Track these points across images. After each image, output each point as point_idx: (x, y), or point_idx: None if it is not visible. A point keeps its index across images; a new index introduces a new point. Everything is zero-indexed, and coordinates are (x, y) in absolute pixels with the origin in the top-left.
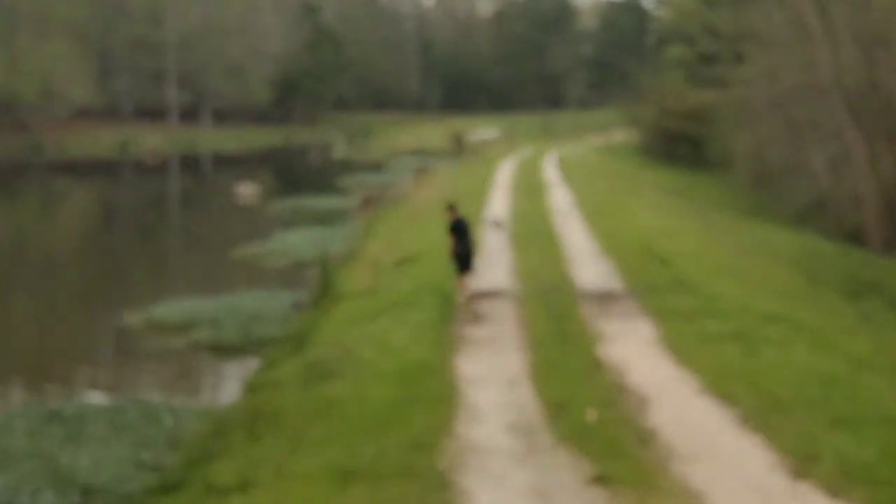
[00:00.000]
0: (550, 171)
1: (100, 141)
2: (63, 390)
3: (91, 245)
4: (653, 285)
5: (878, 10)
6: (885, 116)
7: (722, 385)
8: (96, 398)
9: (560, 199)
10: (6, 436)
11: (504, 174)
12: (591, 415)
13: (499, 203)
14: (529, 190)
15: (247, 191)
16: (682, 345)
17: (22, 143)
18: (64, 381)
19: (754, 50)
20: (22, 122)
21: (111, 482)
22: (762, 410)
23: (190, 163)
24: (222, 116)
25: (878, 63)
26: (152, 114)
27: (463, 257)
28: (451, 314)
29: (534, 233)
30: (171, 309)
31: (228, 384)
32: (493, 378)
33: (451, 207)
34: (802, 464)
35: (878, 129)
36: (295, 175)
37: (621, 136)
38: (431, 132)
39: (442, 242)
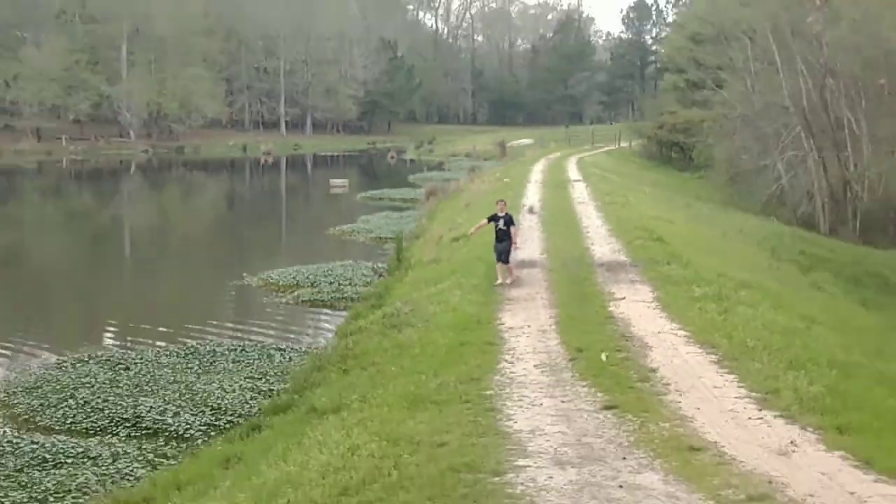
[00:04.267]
0: (572, 170)
1: (226, 145)
2: (198, 334)
3: (219, 224)
4: (651, 259)
5: (828, 46)
6: (832, 131)
7: (704, 335)
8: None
9: (579, 192)
10: (155, 368)
11: (536, 173)
12: (604, 357)
13: (532, 194)
14: (556, 184)
15: (339, 184)
16: (673, 304)
17: (167, 147)
18: (199, 327)
19: (731, 78)
20: (168, 131)
21: (235, 404)
22: (735, 355)
23: (295, 162)
24: (319, 126)
25: (827, 89)
26: (267, 124)
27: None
28: (495, 279)
29: (559, 217)
30: (280, 273)
31: (324, 331)
32: (528, 328)
33: (501, 200)
34: (766, 396)
35: (826, 141)
36: (376, 172)
37: (627, 144)
38: (480, 140)
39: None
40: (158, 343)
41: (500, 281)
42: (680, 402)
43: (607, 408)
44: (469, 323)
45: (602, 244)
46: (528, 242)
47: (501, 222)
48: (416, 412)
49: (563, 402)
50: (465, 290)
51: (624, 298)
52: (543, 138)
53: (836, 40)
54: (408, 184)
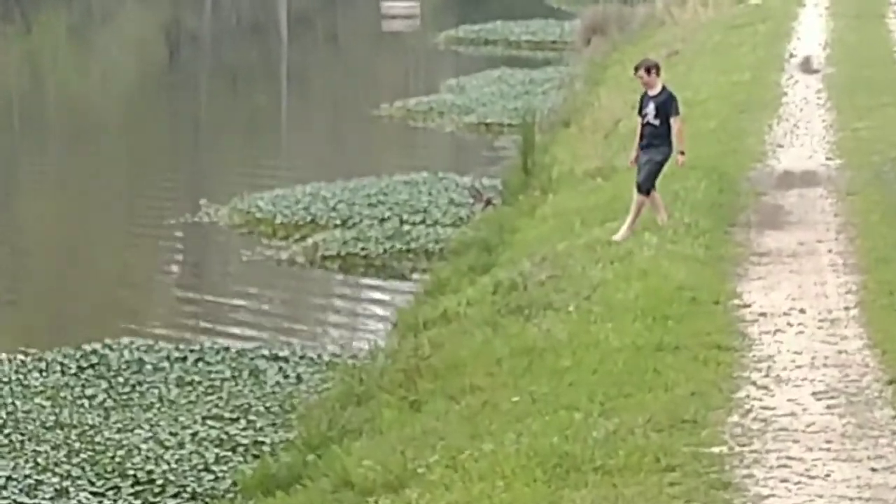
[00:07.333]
0: None
1: None
2: (109, 328)
3: (152, 99)
4: None
5: None
6: None
7: None
8: None
9: None
10: (19, 398)
11: None
12: None
13: (809, 33)
14: (858, 13)
15: (400, 9)
16: None
17: None
18: (112, 315)
19: None
20: None
21: (182, 471)
22: None
23: None
24: None
25: None
26: None
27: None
28: (732, 212)
29: (866, 80)
30: (278, 199)
31: (370, 320)
32: (799, 315)
33: (648, 65)
34: None
35: None
36: None
37: None
38: None
39: (732, 91)
40: (26, 347)
41: (624, 233)
42: None
43: None
44: (674, 303)
45: None
46: (802, 133)
47: (651, 108)
48: (565, 490)
49: (873, 470)
50: (665, 236)
51: None
52: None
53: None
54: (545, 10)
